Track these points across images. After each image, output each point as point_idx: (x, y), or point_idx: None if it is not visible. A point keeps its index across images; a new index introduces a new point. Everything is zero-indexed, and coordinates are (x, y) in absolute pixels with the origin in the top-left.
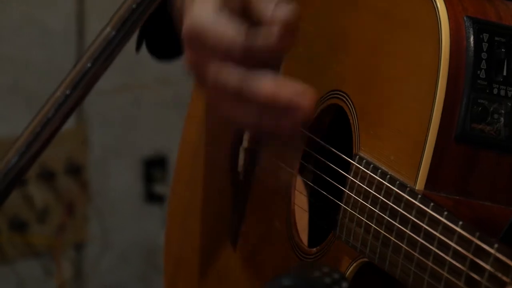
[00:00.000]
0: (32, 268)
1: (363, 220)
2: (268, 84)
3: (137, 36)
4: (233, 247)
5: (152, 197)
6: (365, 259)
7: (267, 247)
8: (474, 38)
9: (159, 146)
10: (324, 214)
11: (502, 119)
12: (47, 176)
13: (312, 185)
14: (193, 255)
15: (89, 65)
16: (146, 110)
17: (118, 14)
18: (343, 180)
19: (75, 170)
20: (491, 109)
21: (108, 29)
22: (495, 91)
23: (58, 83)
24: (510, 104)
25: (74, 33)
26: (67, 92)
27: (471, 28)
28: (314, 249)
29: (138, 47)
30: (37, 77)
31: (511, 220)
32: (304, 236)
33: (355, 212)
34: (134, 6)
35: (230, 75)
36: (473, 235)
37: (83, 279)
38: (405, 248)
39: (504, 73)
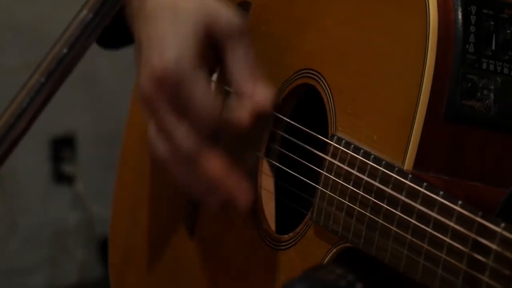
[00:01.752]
0: None
1: (344, 203)
2: (215, 168)
3: None
4: (189, 235)
5: (61, 177)
6: (347, 244)
7: (230, 234)
8: (462, 10)
9: (67, 125)
10: (295, 198)
11: (491, 95)
12: None
13: (284, 168)
14: (144, 245)
15: (65, 51)
16: None
17: None
18: (316, 163)
19: None
20: (481, 84)
21: (85, 11)
22: (484, 65)
23: None
24: (499, 80)
25: None
26: (42, 80)
27: (459, 0)
28: (286, 235)
29: None
30: None
31: (502, 201)
32: (271, 222)
33: (335, 195)
34: None
35: (186, 139)
36: (476, 214)
37: None
38: (395, 231)
39: (493, 47)
